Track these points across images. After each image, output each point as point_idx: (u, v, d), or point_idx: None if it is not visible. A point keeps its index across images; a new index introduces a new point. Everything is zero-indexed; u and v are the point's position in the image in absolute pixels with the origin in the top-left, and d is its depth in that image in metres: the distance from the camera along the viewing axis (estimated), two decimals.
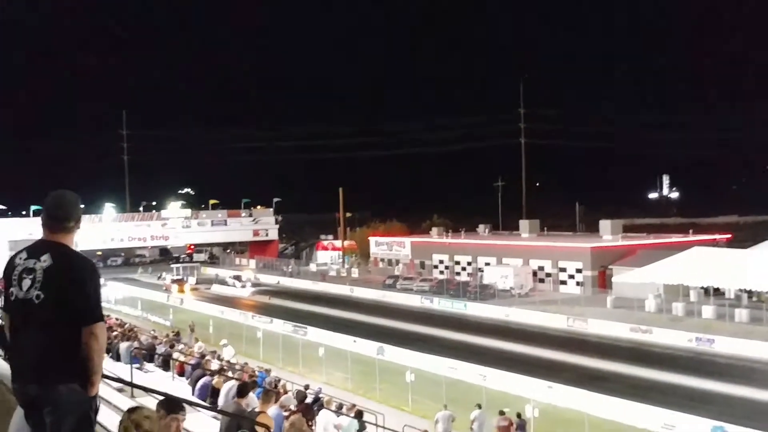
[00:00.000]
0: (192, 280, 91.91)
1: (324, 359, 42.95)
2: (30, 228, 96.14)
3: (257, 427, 9.53)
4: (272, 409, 12.91)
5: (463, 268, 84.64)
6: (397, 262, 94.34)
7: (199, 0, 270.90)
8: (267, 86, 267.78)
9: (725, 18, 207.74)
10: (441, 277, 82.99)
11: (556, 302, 64.13)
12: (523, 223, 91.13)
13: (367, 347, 47.25)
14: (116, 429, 5.29)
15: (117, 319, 43.13)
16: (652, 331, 51.41)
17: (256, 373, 28.75)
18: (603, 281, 69.59)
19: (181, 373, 23.06)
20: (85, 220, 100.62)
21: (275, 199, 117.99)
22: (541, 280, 75.19)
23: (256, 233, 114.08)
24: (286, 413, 16.18)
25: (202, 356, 26.21)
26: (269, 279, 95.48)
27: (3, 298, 5.34)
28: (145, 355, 24.94)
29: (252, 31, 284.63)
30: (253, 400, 15.17)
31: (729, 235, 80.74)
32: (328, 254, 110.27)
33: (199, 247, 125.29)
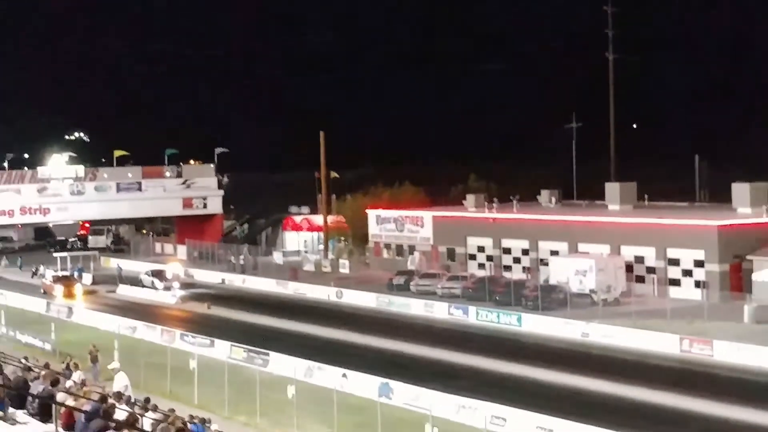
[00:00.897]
0: (87, 277, 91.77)
1: (295, 403, 42.88)
2: None
3: None
4: None
5: (517, 260, 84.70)
6: (411, 249, 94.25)
7: None
8: None
9: None
10: (481, 273, 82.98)
11: (663, 313, 64.10)
12: (612, 188, 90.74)
13: (364, 385, 47.18)
14: None
15: None
16: None
17: (188, 426, 28.61)
18: (738, 281, 69.50)
19: (69, 426, 22.92)
20: None
21: (218, 150, 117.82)
22: (640, 279, 75.15)
23: (187, 203, 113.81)
24: None
25: (103, 399, 26.04)
26: (208, 276, 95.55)
27: None
28: (13, 396, 24.78)
29: None
30: None
31: None
32: (301, 237, 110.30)
33: (97, 226, 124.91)
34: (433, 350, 59.99)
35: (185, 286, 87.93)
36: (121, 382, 40.60)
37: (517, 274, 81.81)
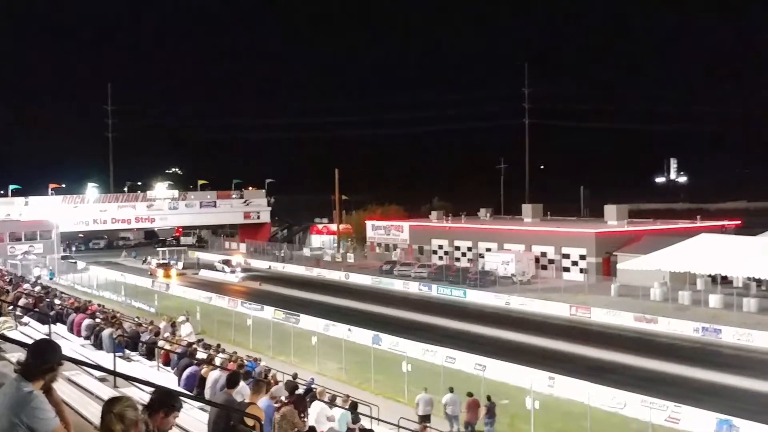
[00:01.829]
0: (179, 264, 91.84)
1: (317, 348, 43.05)
2: (7, 209, 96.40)
3: (247, 419, 9.57)
4: (263, 401, 12.97)
5: (463, 254, 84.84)
6: (395, 247, 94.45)
7: None
8: (263, 64, 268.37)
9: None
10: (440, 263, 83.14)
11: (558, 290, 64.33)
12: (526, 208, 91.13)
13: (362, 336, 47.33)
14: (97, 420, 5.32)
15: (99, 305, 43.08)
16: (658, 320, 51.56)
17: (245, 362, 28.80)
18: (607, 268, 69.83)
19: (167, 363, 23.06)
20: (67, 200, 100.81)
21: (268, 180, 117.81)
22: (544, 267, 75.36)
23: (247, 216, 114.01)
24: (276, 404, 16.24)
25: (189, 345, 26.22)
26: (260, 264, 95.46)
27: None
28: (129, 343, 24.94)
29: (248, 6, 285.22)
30: (244, 390, 15.22)
31: (738, 222, 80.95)
32: (322, 238, 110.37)
33: (186, 230, 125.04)
34: (408, 313, 60.02)
35: (244, 270, 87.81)
36: (186, 330, 40.55)
37: (464, 263, 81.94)
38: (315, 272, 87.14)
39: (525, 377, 35.56)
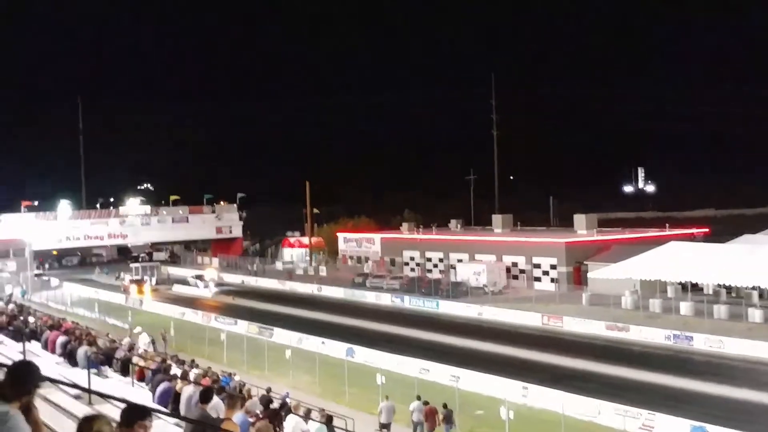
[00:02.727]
0: (152, 280, 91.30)
1: (291, 362, 42.88)
2: None
3: None
4: (238, 416, 12.86)
5: (435, 265, 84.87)
6: (367, 259, 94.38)
7: None
8: (229, 75, 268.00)
9: None
10: (412, 274, 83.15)
11: (530, 299, 64.49)
12: (496, 218, 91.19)
13: (336, 349, 47.26)
14: None
15: (73, 323, 42.68)
16: (629, 328, 51.82)
17: (220, 377, 28.62)
18: (578, 277, 70.07)
19: (141, 378, 22.90)
20: (39, 217, 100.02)
21: (239, 195, 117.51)
22: (515, 277, 75.51)
23: (219, 230, 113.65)
24: (251, 419, 16.13)
25: (163, 361, 26.05)
26: (233, 278, 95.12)
27: None
28: (103, 359, 24.72)
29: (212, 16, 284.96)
30: (218, 405, 15.10)
31: (706, 229, 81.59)
32: (294, 251, 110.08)
33: (159, 246, 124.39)
34: (381, 325, 59.99)
35: (218, 285, 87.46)
36: (144, 340, 40.28)
37: (435, 274, 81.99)
38: (287, 286, 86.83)
39: (499, 387, 35.64)
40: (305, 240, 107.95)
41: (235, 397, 14.36)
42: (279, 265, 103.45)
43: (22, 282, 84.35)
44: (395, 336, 55.28)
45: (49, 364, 21.59)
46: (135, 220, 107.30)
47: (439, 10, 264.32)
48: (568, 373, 42.51)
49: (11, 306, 42.87)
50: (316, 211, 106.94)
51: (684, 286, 59.08)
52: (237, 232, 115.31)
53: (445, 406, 31.20)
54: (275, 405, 23.21)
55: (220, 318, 61.83)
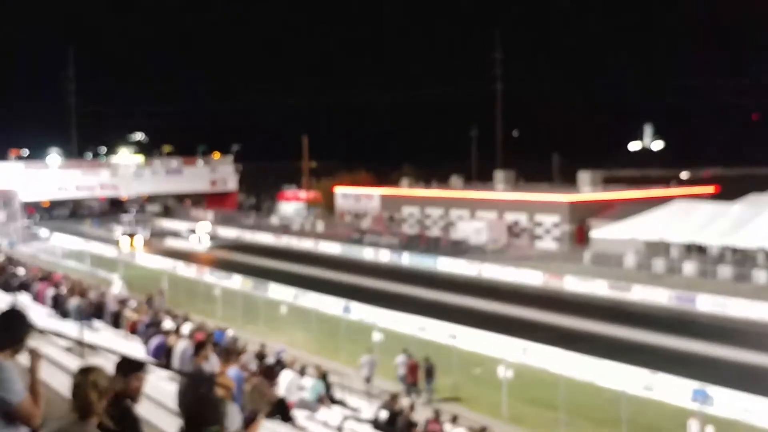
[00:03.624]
0: (145, 233, 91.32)
1: (287, 318, 43.08)
2: None
3: (217, 389, 9.55)
4: (232, 370, 12.97)
5: (435, 222, 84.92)
6: (365, 215, 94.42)
7: None
8: (227, 24, 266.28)
9: None
10: (411, 231, 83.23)
11: (531, 258, 64.70)
12: (498, 174, 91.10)
13: (332, 305, 47.44)
14: (66, 390, 5.33)
15: (64, 275, 42.82)
16: (632, 288, 52.03)
17: (213, 332, 28.77)
18: (581, 236, 70.14)
19: (134, 332, 23.04)
20: (29, 166, 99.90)
21: (234, 147, 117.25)
22: (517, 235, 75.63)
23: (213, 183, 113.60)
24: (245, 374, 16.25)
25: (156, 314, 26.17)
26: (228, 233, 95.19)
27: None
28: (94, 312, 24.85)
29: None
30: (212, 360, 15.21)
31: (713, 188, 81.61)
32: (291, 206, 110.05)
33: (152, 198, 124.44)
34: (378, 282, 60.17)
35: (212, 239, 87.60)
36: (116, 288, 40.35)
37: (435, 231, 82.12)
38: (284, 241, 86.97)
39: (498, 346, 35.86)
40: (302, 194, 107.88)
41: (230, 352, 14.47)
42: (275, 220, 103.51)
43: (12, 233, 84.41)
44: (393, 293, 55.45)
45: (39, 316, 21.70)
46: (127, 171, 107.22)
47: None
48: (569, 333, 42.71)
49: (1, 257, 42.92)
50: (313, 165, 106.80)
51: (688, 247, 59.22)
52: (232, 185, 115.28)
53: (426, 360, 31.92)
54: (271, 361, 23.38)
55: (214, 272, 61.94)
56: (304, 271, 66.22)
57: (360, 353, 33.80)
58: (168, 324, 24.56)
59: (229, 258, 75.58)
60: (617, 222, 62.34)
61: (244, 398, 14.56)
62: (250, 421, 10.62)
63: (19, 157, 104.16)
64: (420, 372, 31.66)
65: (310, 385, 21.22)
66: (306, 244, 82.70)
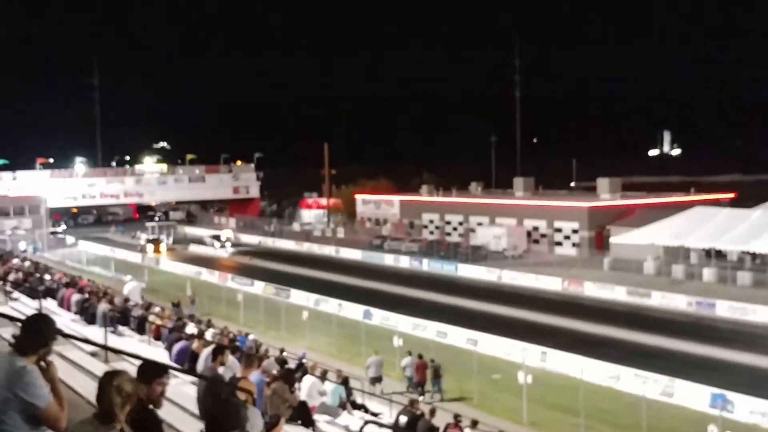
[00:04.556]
0: (169, 239, 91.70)
1: (308, 323, 43.12)
2: None
3: (239, 393, 9.58)
4: (254, 375, 12.97)
5: (454, 228, 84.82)
6: (385, 221, 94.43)
7: None
8: (249, 36, 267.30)
9: None
10: (431, 237, 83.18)
11: (550, 264, 64.46)
12: (517, 181, 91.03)
13: (353, 310, 47.44)
14: (91, 394, 5.35)
15: (89, 281, 43.04)
16: (651, 294, 51.76)
17: (236, 337, 28.83)
18: (600, 242, 69.89)
19: (158, 337, 23.10)
20: (55, 175, 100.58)
21: (257, 155, 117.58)
22: (536, 241, 75.45)
23: (236, 190, 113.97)
24: (267, 379, 16.26)
25: (179, 319, 26.26)
26: (250, 239, 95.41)
27: None
28: (119, 318, 24.95)
29: None
30: (234, 364, 15.23)
31: (732, 195, 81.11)
32: (312, 213, 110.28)
33: (176, 205, 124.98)
34: (399, 288, 60.08)
35: (234, 245, 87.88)
36: (128, 288, 39.76)
37: (455, 238, 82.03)
38: (305, 247, 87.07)
39: (517, 351, 35.73)
40: (323, 201, 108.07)
41: (252, 357, 14.48)
42: (296, 226, 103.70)
43: (37, 239, 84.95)
44: (413, 299, 55.44)
45: (65, 321, 21.83)
46: (151, 179, 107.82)
47: None
48: (588, 338, 42.56)
49: (27, 263, 43.19)
50: (334, 172, 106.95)
51: (708, 253, 58.89)
52: (254, 192, 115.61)
53: (432, 360, 32.64)
54: (291, 365, 23.39)
55: (237, 278, 62.10)
56: (326, 276, 66.22)
57: (388, 360, 33.84)
58: (191, 329, 24.65)
59: (252, 264, 75.73)
60: (636, 228, 62.05)
61: (266, 403, 14.60)
62: (272, 425, 10.66)
63: (45, 165, 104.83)
64: (428, 372, 32.40)
65: (331, 389, 21.20)
66: (327, 250, 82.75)
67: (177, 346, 19.55)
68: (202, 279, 63.21)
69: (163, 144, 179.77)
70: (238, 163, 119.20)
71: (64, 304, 25.94)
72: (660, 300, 50.91)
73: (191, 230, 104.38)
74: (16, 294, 23.68)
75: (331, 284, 61.09)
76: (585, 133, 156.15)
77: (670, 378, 31.22)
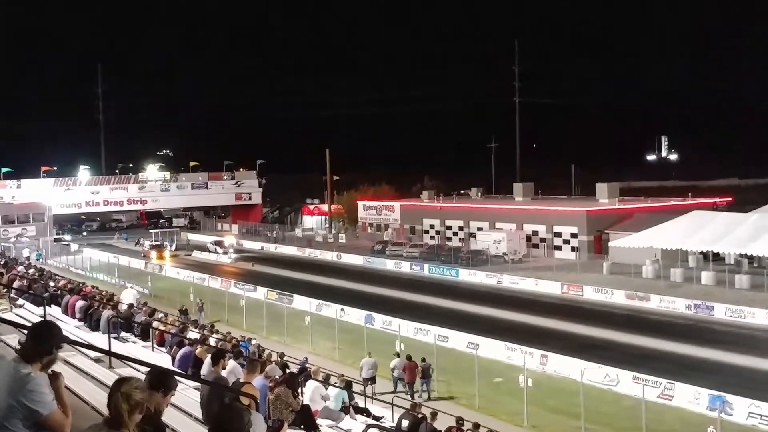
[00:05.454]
0: (172, 246, 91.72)
1: (310, 328, 43.09)
2: None
3: (242, 398, 9.57)
4: (257, 380, 12.97)
5: (455, 233, 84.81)
6: (386, 227, 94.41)
7: None
8: (251, 39, 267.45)
9: None
10: (432, 242, 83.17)
11: (550, 268, 64.40)
12: (517, 187, 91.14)
13: (355, 315, 47.38)
14: (94, 400, 5.34)
15: (93, 287, 43.04)
16: (650, 297, 51.74)
17: (239, 342, 28.84)
18: (599, 246, 69.89)
19: (161, 343, 23.09)
20: (59, 182, 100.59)
21: (259, 161, 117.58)
22: (535, 246, 75.43)
23: (238, 197, 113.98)
24: (270, 384, 16.25)
25: (183, 325, 26.22)
26: (252, 245, 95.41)
27: None
28: (123, 324, 24.93)
29: None
30: (237, 369, 15.24)
31: (729, 198, 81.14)
32: (314, 219, 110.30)
33: (179, 212, 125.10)
34: (399, 293, 60.09)
35: (237, 251, 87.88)
36: (127, 296, 39.69)
37: (455, 242, 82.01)
38: (307, 252, 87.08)
39: (518, 355, 35.70)
40: (325, 207, 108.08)
41: (255, 362, 14.48)
42: (298, 232, 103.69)
43: (41, 246, 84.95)
44: (414, 303, 55.40)
45: (69, 328, 21.80)
46: (154, 186, 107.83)
47: None
48: (588, 341, 42.52)
49: (32, 270, 43.16)
50: (336, 178, 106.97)
51: (706, 256, 58.90)
52: (256, 198, 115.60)
53: (423, 360, 33.01)
54: (295, 370, 23.37)
55: (240, 284, 62.07)
56: (328, 282, 66.24)
57: (384, 363, 33.75)
58: (194, 335, 24.63)
59: (254, 269, 75.70)
60: (635, 232, 62.02)
61: (269, 407, 14.59)
62: (275, 430, 10.66)
63: (49, 173, 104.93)
64: (417, 372, 32.78)
65: (334, 394, 21.18)
66: (329, 256, 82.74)
67: (180, 352, 19.55)
68: (205, 285, 63.15)
69: (166, 151, 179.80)
70: (241, 169, 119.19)
71: (68, 310, 25.93)
72: (659, 303, 50.89)
73: (194, 236, 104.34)
74: (20, 301, 23.63)
75: (333, 289, 61.06)
76: (584, 138, 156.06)
77: (669, 381, 31.17)
